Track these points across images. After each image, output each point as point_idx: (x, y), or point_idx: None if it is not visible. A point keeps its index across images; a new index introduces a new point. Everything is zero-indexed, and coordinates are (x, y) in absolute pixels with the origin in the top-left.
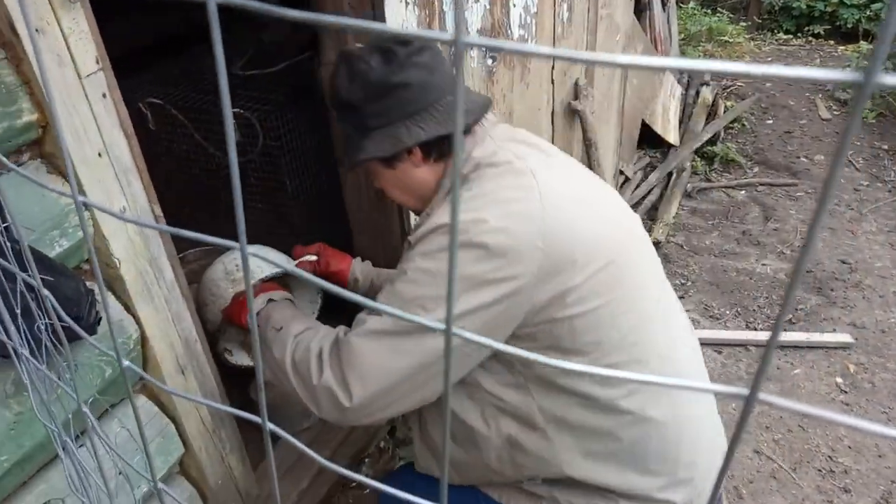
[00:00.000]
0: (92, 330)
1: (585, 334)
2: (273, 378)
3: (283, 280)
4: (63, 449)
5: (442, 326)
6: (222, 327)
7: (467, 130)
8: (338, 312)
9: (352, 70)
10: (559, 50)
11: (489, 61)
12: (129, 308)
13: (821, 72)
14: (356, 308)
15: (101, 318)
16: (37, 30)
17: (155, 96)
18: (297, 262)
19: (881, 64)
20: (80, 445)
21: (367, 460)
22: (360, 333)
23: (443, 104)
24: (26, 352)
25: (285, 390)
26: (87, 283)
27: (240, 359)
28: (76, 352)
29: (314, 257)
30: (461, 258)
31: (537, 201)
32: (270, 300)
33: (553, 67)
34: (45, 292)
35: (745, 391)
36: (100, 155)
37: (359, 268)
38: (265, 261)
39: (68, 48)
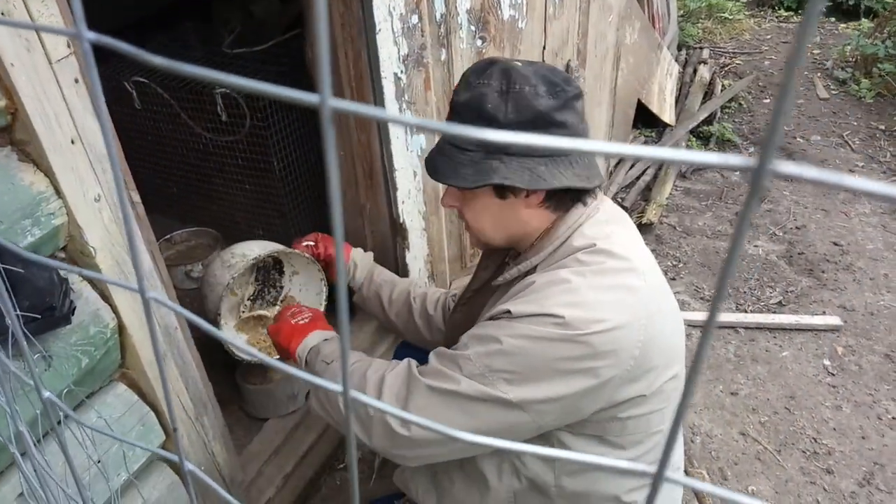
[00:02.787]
0: (66, 320)
1: (634, 433)
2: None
3: (292, 273)
4: (23, 453)
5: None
6: (221, 320)
7: (586, 196)
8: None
9: (512, 89)
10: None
11: (479, 42)
12: (105, 297)
13: None
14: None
15: (75, 308)
16: (2, 13)
17: (141, 74)
18: (293, 246)
19: None
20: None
21: None
22: (436, 389)
23: (580, 157)
24: None
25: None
26: (62, 273)
27: (243, 353)
28: (50, 342)
29: (311, 243)
30: (564, 349)
31: (644, 311)
32: (325, 340)
33: (544, 48)
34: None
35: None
36: (73, 142)
37: (359, 256)
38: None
39: (37, 32)
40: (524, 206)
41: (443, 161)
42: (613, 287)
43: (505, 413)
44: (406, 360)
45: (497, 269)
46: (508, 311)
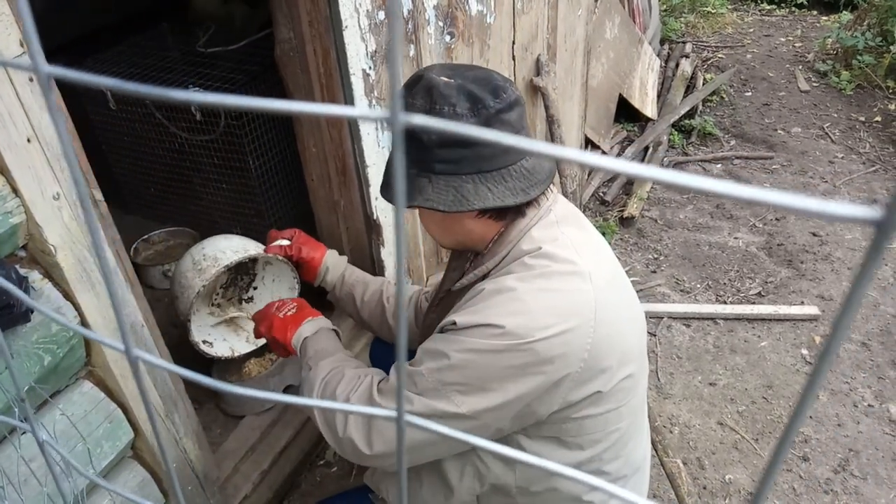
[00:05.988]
0: (25, 318)
1: (591, 433)
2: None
3: (265, 263)
4: None
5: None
6: (193, 317)
7: (534, 200)
8: (314, 297)
9: (433, 109)
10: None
11: (447, 38)
12: (68, 295)
13: None
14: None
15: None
16: None
17: (116, 75)
18: (266, 247)
19: None
20: (23, 433)
21: None
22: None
23: (517, 169)
24: None
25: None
26: (21, 271)
27: (220, 349)
28: (10, 340)
29: (287, 242)
30: (508, 358)
31: (592, 313)
32: (315, 332)
33: (514, 43)
34: None
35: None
36: (29, 140)
37: (331, 259)
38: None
39: None
40: (465, 217)
41: (387, 175)
42: (558, 291)
43: (459, 424)
44: (369, 377)
45: (464, 270)
46: (454, 323)
